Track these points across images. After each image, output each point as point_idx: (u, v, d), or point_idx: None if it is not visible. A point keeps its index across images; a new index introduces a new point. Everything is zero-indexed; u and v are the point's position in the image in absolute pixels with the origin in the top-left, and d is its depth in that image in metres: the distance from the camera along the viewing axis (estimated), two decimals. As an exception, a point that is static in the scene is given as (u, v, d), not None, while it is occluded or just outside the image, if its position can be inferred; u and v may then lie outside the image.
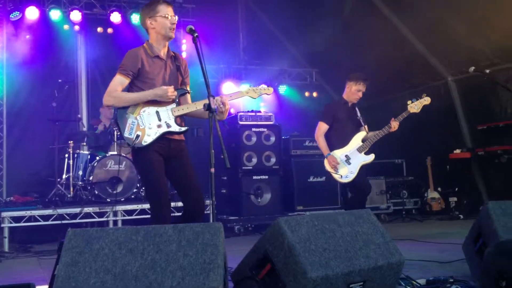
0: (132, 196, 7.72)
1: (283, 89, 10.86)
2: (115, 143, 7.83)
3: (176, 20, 3.94)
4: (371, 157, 5.80)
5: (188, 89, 4.10)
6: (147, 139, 3.81)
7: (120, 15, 9.13)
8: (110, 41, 9.69)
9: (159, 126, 3.84)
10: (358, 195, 5.89)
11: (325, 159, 5.83)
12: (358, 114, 5.99)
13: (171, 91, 3.81)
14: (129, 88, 3.95)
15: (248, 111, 8.32)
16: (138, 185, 7.79)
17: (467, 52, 7.91)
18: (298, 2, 9.26)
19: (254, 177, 7.96)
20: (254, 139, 8.08)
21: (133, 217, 7.23)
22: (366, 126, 5.96)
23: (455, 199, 8.71)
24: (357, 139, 5.83)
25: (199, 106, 3.88)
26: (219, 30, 9.96)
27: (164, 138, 3.87)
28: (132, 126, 3.83)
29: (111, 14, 9.08)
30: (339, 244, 3.27)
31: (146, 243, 2.81)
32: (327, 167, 5.82)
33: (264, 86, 4.12)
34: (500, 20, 7.11)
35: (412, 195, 9.37)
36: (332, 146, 5.86)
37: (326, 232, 3.31)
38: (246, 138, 8.03)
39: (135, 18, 9.23)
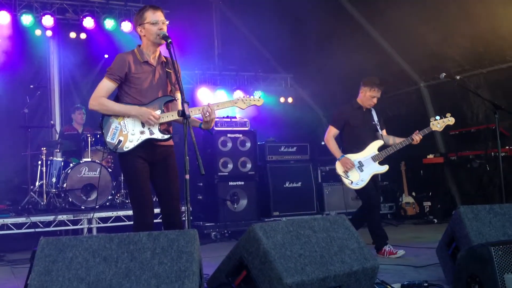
0: (107, 203, 7.63)
1: (258, 95, 10.86)
2: (89, 150, 7.73)
3: (165, 25, 3.88)
4: (385, 168, 5.63)
5: (178, 95, 3.99)
6: (129, 145, 3.78)
7: (93, 20, 9.02)
8: (83, 47, 9.61)
9: (142, 132, 3.81)
10: (367, 204, 5.68)
11: (338, 161, 5.64)
12: (375, 118, 5.81)
13: (153, 117, 3.75)
14: (117, 93, 3.93)
15: (223, 117, 8.31)
16: (113, 191, 7.71)
17: (439, 59, 8.04)
18: (274, 9, 9.29)
19: (230, 183, 7.95)
20: (229, 145, 8.08)
21: (108, 224, 7.15)
22: (384, 130, 5.82)
23: (429, 203, 8.83)
24: (373, 147, 5.65)
25: (194, 112, 3.81)
26: (194, 36, 9.93)
27: (148, 144, 3.83)
28: (115, 131, 3.81)
29: (84, 19, 8.95)
30: (315, 249, 3.28)
31: (120, 251, 2.78)
32: (339, 170, 5.64)
33: (254, 97, 4.05)
34: (471, 28, 7.25)
35: (387, 200, 9.47)
36: (345, 151, 5.70)
37: (301, 237, 3.33)
38: (221, 144, 8.02)
39: (108, 24, 9.14)
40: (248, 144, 8.22)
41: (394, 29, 8.30)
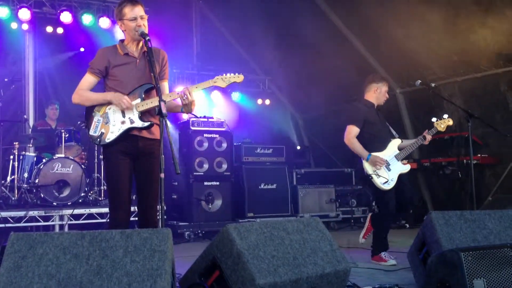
0: (80, 200, 7.54)
1: (236, 95, 10.89)
2: (63, 146, 7.63)
3: (145, 20, 3.83)
4: (408, 167, 5.40)
5: (164, 83, 3.99)
6: (110, 136, 3.76)
7: (71, 15, 8.88)
8: (60, 41, 9.49)
9: (122, 122, 3.78)
10: (381, 209, 5.45)
11: (366, 161, 5.25)
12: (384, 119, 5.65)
13: (126, 100, 3.73)
14: (104, 87, 3.93)
15: (200, 117, 8.29)
16: (86, 189, 7.62)
17: (415, 66, 8.16)
18: (254, 12, 9.32)
19: (205, 183, 7.93)
20: (206, 144, 8.06)
21: (80, 221, 7.07)
22: (395, 133, 5.65)
23: (401, 208, 8.93)
24: (394, 146, 5.42)
25: (169, 98, 3.77)
26: (173, 34, 9.89)
27: (131, 136, 3.80)
28: (97, 124, 3.80)
29: (61, 14, 8.81)
30: (288, 251, 3.30)
31: (92, 249, 2.75)
32: (369, 170, 5.24)
33: (233, 74, 3.91)
34: (447, 37, 7.36)
35: (360, 204, 9.55)
36: (370, 149, 5.32)
37: (275, 239, 3.34)
38: (197, 144, 8.00)
39: (86, 19, 9.02)
40: (225, 145, 8.21)
41: (372, 35, 8.40)
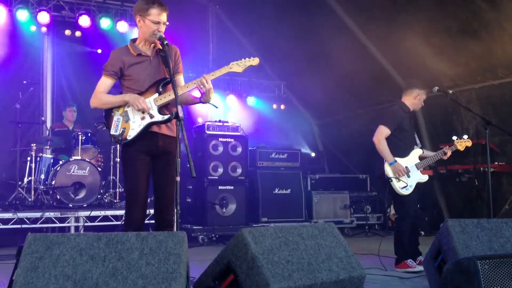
0: (95, 202, 7.60)
1: (251, 100, 10.90)
2: (79, 148, 7.70)
3: (165, 26, 3.85)
4: (426, 177, 5.49)
5: (180, 76, 4.00)
6: (131, 133, 3.77)
7: (89, 18, 9.00)
8: (78, 45, 9.58)
9: (142, 118, 3.79)
10: (399, 213, 5.50)
11: (389, 165, 5.32)
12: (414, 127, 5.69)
13: (141, 101, 3.74)
14: (120, 88, 3.95)
15: (215, 121, 8.32)
16: (101, 191, 7.68)
17: (432, 72, 8.09)
18: (269, 16, 9.34)
19: (220, 187, 7.94)
20: (220, 149, 8.08)
21: (96, 223, 7.11)
22: (418, 142, 5.71)
23: (417, 215, 8.86)
24: (415, 155, 5.50)
25: (186, 89, 3.79)
26: (190, 39, 9.94)
27: (151, 134, 3.81)
28: (118, 122, 3.82)
29: (80, 17, 8.93)
30: (302, 256, 3.29)
31: (108, 250, 2.77)
32: (390, 173, 5.33)
33: (248, 58, 3.92)
34: (465, 44, 7.31)
35: (375, 211, 9.49)
36: (392, 153, 5.37)
37: (289, 244, 3.33)
38: (212, 148, 8.02)
39: (104, 23, 9.12)
40: (239, 149, 8.22)
41: (388, 41, 8.36)
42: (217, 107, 7.96)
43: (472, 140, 7.89)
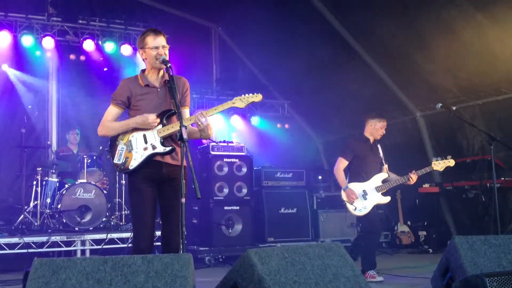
0: (101, 225, 7.59)
1: (255, 120, 10.93)
2: (85, 171, 7.72)
3: (166, 49, 3.90)
4: (387, 199, 5.94)
5: (185, 109, 4.02)
6: (133, 163, 3.81)
7: (93, 42, 9.09)
8: (82, 68, 9.66)
9: (145, 149, 3.83)
10: (366, 229, 6.01)
11: (343, 191, 5.93)
12: (380, 152, 6.12)
13: (151, 119, 3.79)
14: (128, 117, 3.99)
15: (220, 142, 8.34)
16: (107, 214, 7.68)
17: (435, 89, 8.12)
18: (272, 36, 9.42)
19: (225, 208, 7.93)
20: (225, 169, 8.08)
21: (102, 246, 7.09)
22: (386, 166, 6.08)
23: (424, 232, 8.80)
24: (378, 179, 5.93)
25: (189, 122, 3.81)
26: (193, 61, 10.05)
27: (155, 162, 3.84)
28: (121, 152, 3.87)
29: (84, 42, 9.03)
30: (309, 277, 3.27)
31: (114, 274, 2.77)
32: (344, 197, 5.93)
33: (251, 94, 3.97)
34: (467, 60, 7.34)
35: (382, 228, 9.43)
36: (351, 179, 6.01)
37: (296, 264, 3.31)
38: (217, 168, 8.03)
39: (108, 47, 9.22)
40: (244, 169, 8.22)
41: (391, 59, 8.40)
42: (215, 142, 8.07)
43: (477, 156, 7.94)
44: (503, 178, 7.45)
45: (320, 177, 10.84)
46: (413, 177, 5.79)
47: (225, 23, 11.15)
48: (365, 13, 8.01)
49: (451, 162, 5.82)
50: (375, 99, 9.14)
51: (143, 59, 3.99)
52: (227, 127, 10.65)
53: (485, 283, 3.05)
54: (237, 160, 8.21)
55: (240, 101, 3.95)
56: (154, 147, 3.82)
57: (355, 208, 5.85)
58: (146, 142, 3.84)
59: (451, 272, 3.78)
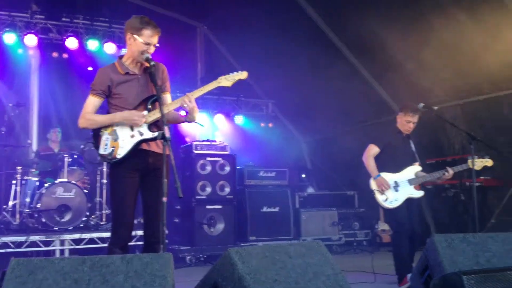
0: (81, 225, 7.51)
1: (239, 119, 10.93)
2: (65, 170, 7.64)
3: (154, 49, 3.87)
4: (421, 193, 5.58)
5: (167, 95, 4.00)
6: (121, 152, 3.75)
7: (76, 40, 9.00)
8: (65, 66, 9.55)
9: (132, 136, 3.77)
10: (392, 228, 5.67)
11: (373, 179, 5.53)
12: (413, 147, 5.81)
13: (137, 116, 3.74)
14: (107, 106, 3.93)
15: (203, 140, 8.33)
16: (87, 213, 7.60)
17: (418, 89, 8.17)
18: (257, 36, 9.41)
19: (208, 207, 7.92)
20: (208, 168, 8.07)
21: (81, 246, 7.04)
22: (418, 162, 5.78)
23: (404, 231, 8.86)
24: (410, 171, 5.60)
25: (174, 105, 3.80)
26: (178, 59, 9.98)
27: (141, 151, 3.80)
28: (107, 142, 3.80)
29: (67, 39, 8.93)
30: (290, 275, 3.27)
31: (92, 274, 2.74)
32: (373, 186, 5.53)
33: (236, 72, 3.97)
34: (449, 60, 7.40)
35: (363, 227, 9.50)
36: (381, 169, 5.56)
37: (277, 263, 3.31)
38: (200, 167, 8.01)
39: (91, 44, 9.14)
40: (227, 168, 8.21)
41: (375, 59, 8.45)
42: (203, 126, 7.96)
43: (458, 155, 8.01)
44: (482, 177, 7.53)
45: (303, 176, 10.91)
46: (450, 172, 5.48)
47: (210, 22, 11.12)
48: (349, 13, 8.05)
49: (489, 162, 5.52)
50: (359, 99, 9.19)
51: (127, 42, 3.90)
52: (211, 126, 10.63)
53: (463, 280, 3.09)
54: (220, 159, 8.20)
55: (226, 80, 3.95)
56: (141, 134, 3.77)
57: (386, 199, 5.45)
58: (132, 129, 3.78)
59: (430, 270, 3.81)
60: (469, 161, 5.41)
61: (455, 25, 6.96)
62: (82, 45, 9.17)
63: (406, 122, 5.72)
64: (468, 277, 3.09)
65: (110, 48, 9.22)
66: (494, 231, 5.94)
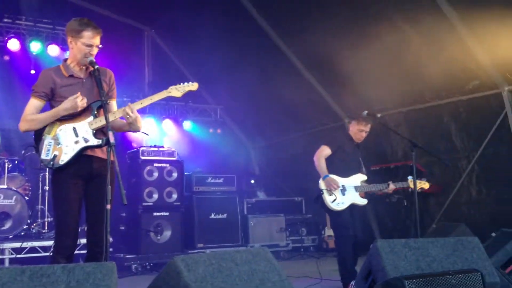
0: (22, 233, 7.26)
1: (187, 124, 10.86)
2: (5, 176, 7.37)
3: (97, 50, 3.79)
4: (365, 201, 5.67)
5: (113, 102, 3.94)
6: (64, 158, 3.64)
7: (18, 42, 8.76)
8: (6, 69, 9.24)
9: (76, 142, 3.67)
10: (335, 231, 5.76)
11: (322, 180, 5.56)
12: (360, 156, 5.91)
13: (79, 99, 3.63)
14: (51, 109, 3.80)
15: (150, 146, 8.22)
16: (28, 221, 7.36)
17: (363, 97, 8.35)
18: (206, 41, 9.39)
19: (155, 214, 7.80)
20: (155, 174, 7.96)
21: (22, 255, 6.80)
22: (364, 172, 5.86)
23: (350, 236, 9.03)
24: (357, 178, 5.69)
25: (117, 114, 3.73)
26: (124, 63, 9.84)
27: (85, 157, 3.70)
28: (49, 146, 3.66)
29: (9, 41, 8.69)
30: (236, 283, 3.27)
31: (32, 284, 2.65)
32: (322, 186, 5.55)
33: (187, 83, 3.93)
34: (393, 69, 7.60)
35: (310, 233, 9.61)
36: (331, 172, 5.60)
37: (223, 270, 3.31)
38: (147, 174, 7.90)
39: (34, 47, 8.89)
40: (175, 174, 8.14)
41: (322, 67, 8.58)
42: (148, 135, 7.85)
43: (400, 162, 8.25)
44: (424, 183, 7.76)
45: (253, 181, 10.96)
46: (391, 187, 5.66)
47: (158, 26, 11.02)
48: (297, 21, 8.16)
49: (425, 185, 5.72)
50: (307, 105, 9.31)
51: (69, 46, 3.82)
52: (159, 132, 10.51)
53: (405, 285, 3.17)
54: (167, 165, 8.11)
55: (176, 90, 3.91)
56: (86, 140, 3.68)
57: (334, 200, 5.49)
58: (77, 135, 3.69)
59: (373, 275, 3.89)
60: (409, 180, 5.62)
61: (399, 35, 7.15)
62: (24, 47, 8.92)
63: (359, 131, 5.86)
64: (409, 282, 3.18)
65: (53, 50, 9.01)
66: (435, 236, 6.17)
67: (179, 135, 10.82)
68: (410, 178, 5.59)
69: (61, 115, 3.68)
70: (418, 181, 5.65)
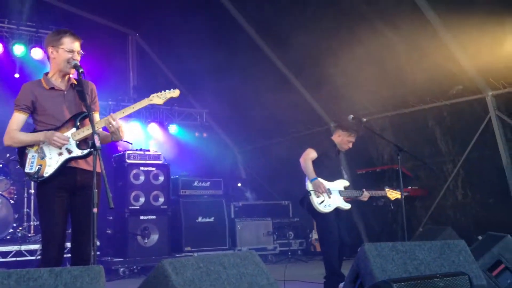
0: (8, 237, 7.19)
1: (173, 128, 10.83)
2: (-10, 180, 7.29)
3: (80, 56, 3.79)
4: (349, 205, 5.72)
5: (96, 115, 3.91)
6: (49, 170, 3.62)
7: (1, 45, 8.68)
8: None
9: (60, 154, 3.66)
10: (319, 234, 5.76)
11: (310, 182, 5.57)
12: (342, 163, 5.95)
13: (57, 137, 3.62)
14: (33, 122, 3.80)
15: (136, 150, 8.18)
16: (14, 225, 7.28)
17: (348, 101, 8.40)
18: (190, 45, 9.38)
19: (141, 217, 7.77)
20: (142, 178, 7.93)
21: (8, 259, 6.73)
22: (346, 177, 5.95)
23: (337, 240, 9.06)
24: (341, 184, 5.78)
25: (99, 125, 3.71)
26: (109, 67, 9.80)
27: (69, 169, 3.68)
28: (33, 160, 3.66)
29: (-9, 44, 8.61)
30: (224, 286, 3.26)
31: (18, 289, 2.62)
32: (310, 188, 5.56)
33: (168, 90, 3.93)
34: (377, 74, 7.65)
35: (297, 236, 9.63)
36: (317, 175, 5.61)
37: (211, 274, 3.30)
38: (133, 177, 7.86)
39: (17, 49, 8.81)
40: (162, 178, 8.11)
41: (307, 71, 8.62)
42: (131, 144, 7.82)
43: (386, 166, 8.30)
44: (410, 187, 7.80)
45: (239, 185, 10.95)
46: (366, 194, 5.77)
47: (143, 30, 11.00)
48: (281, 26, 8.19)
49: (398, 194, 5.84)
50: (291, 110, 9.33)
51: (49, 58, 3.82)
52: (145, 135, 10.47)
53: (392, 288, 3.18)
54: (154, 168, 8.08)
55: (158, 98, 3.90)
56: (70, 151, 3.67)
57: (322, 201, 5.51)
58: (60, 147, 3.68)
59: (361, 278, 3.90)
60: (386, 189, 5.82)
61: (383, 41, 7.21)
62: (7, 50, 8.84)
63: (348, 142, 5.95)
64: (398, 285, 3.19)
65: (37, 53, 8.94)
66: (422, 239, 6.21)
67: (165, 139, 10.78)
68: (387, 188, 5.82)
69: (40, 142, 3.68)
70: (390, 191, 5.88)
